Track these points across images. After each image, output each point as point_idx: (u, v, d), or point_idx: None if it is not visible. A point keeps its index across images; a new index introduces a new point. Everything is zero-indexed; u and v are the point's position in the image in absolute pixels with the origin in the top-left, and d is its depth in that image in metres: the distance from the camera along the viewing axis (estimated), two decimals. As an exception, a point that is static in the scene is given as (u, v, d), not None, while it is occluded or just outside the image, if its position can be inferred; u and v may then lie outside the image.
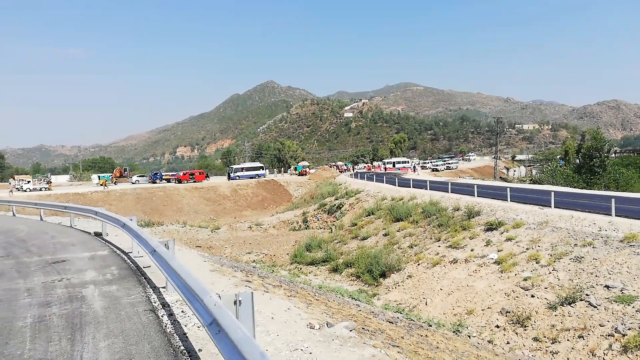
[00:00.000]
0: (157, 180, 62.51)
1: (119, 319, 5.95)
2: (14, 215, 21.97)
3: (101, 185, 57.18)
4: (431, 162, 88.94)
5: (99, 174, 70.87)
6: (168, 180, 62.96)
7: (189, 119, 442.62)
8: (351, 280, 19.51)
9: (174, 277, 5.97)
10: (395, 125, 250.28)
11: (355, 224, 27.97)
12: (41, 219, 19.48)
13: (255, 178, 66.09)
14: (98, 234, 14.12)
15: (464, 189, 27.00)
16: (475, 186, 25.38)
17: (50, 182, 58.61)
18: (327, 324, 6.44)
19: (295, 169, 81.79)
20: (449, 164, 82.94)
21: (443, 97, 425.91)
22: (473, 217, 19.55)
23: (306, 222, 38.30)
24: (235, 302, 4.01)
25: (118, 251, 11.25)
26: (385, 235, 23.19)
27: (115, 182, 64.30)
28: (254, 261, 22.82)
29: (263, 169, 71.50)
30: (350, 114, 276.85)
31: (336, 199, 39.75)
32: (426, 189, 30.13)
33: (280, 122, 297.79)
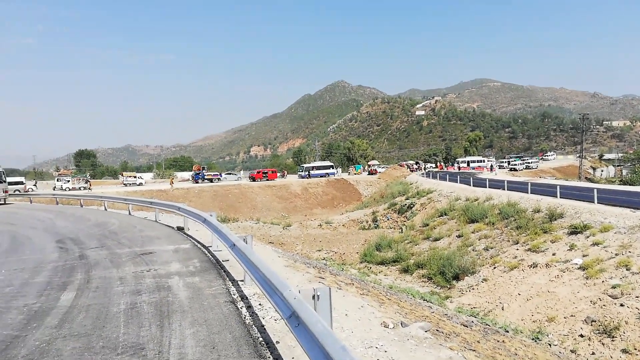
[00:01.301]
0: (199, 181, 63.56)
1: (202, 308, 6.29)
2: (105, 209, 23.86)
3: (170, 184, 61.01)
4: (509, 161, 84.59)
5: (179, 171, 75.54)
6: (210, 180, 64.31)
7: (262, 119, 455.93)
8: (422, 281, 19.18)
9: (253, 270, 6.21)
10: (469, 123, 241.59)
11: (427, 225, 27.41)
12: (129, 214, 20.99)
13: (325, 177, 66.79)
14: (180, 229, 14.97)
15: (545, 190, 25.49)
16: (558, 187, 23.88)
17: (89, 182, 62.06)
18: (401, 324, 6.39)
19: (355, 168, 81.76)
20: (529, 163, 78.58)
21: (522, 93, 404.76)
22: (555, 220, 18.43)
23: (376, 222, 38.09)
24: (313, 297, 4.11)
25: (199, 245, 11.87)
26: (458, 236, 22.52)
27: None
28: (323, 259, 23.07)
29: (333, 168, 72.06)
30: (422, 112, 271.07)
31: (407, 199, 39.15)
32: (503, 189, 28.84)
33: (350, 121, 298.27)
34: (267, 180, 64.41)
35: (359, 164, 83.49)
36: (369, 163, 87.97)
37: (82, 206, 26.39)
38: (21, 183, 48.83)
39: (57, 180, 61.14)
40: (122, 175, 70.27)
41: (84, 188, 57.56)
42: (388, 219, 37.37)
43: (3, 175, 31.41)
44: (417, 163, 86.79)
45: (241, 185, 59.53)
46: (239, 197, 54.39)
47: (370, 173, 74.00)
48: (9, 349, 5.03)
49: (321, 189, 60.73)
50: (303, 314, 3.68)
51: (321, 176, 67.00)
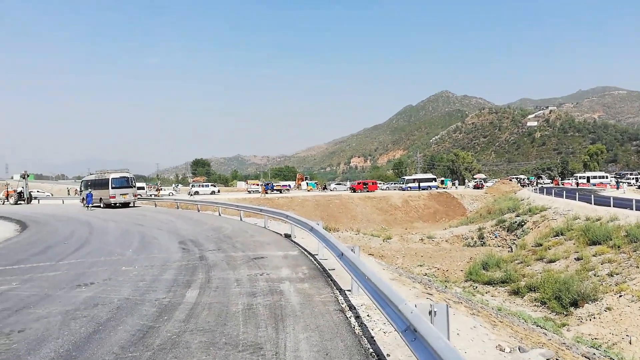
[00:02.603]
0: (268, 191, 64.22)
1: (313, 314, 6.50)
2: (219, 215, 25.62)
3: (323, 189, 64.76)
4: (636, 178, 75.55)
5: (307, 181, 79.16)
6: (279, 191, 64.86)
7: (363, 131, 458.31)
8: (534, 305, 17.86)
9: (363, 281, 6.28)
10: (590, 135, 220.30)
11: (540, 245, 25.50)
12: (241, 219, 22.32)
13: (427, 189, 65.22)
14: (287, 236, 15.58)
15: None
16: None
17: (160, 190, 66.57)
18: (519, 349, 6.03)
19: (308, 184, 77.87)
20: None
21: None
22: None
23: (482, 239, 36.33)
24: (430, 313, 4.06)
25: (305, 252, 12.25)
26: (577, 259, 20.64)
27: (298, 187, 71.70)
28: (425, 274, 22.49)
29: (435, 181, 70.15)
30: (535, 123, 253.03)
31: (517, 216, 36.79)
32: (631, 209, 25.89)
33: (454, 132, 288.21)
34: (368, 191, 64.54)
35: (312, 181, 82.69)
36: (474, 177, 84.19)
37: (199, 211, 28.61)
38: (142, 188, 54.39)
39: (192, 187, 67.51)
40: (247, 183, 76.06)
41: (213, 192, 63.58)
42: (496, 237, 35.44)
43: (133, 181, 35.20)
44: (539, 177, 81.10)
45: (342, 195, 60.30)
46: (340, 207, 55.12)
47: (476, 187, 70.78)
48: (146, 338, 5.62)
49: (423, 202, 59.36)
50: (421, 329, 3.66)
51: (423, 189, 65.56)
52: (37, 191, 69.94)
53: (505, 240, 34.12)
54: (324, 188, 72.20)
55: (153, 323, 6.18)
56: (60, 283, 8.84)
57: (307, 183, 75.29)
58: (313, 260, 11.06)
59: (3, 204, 47.63)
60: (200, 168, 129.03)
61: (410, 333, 4.01)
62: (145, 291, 8.03)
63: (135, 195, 34.72)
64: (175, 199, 35.66)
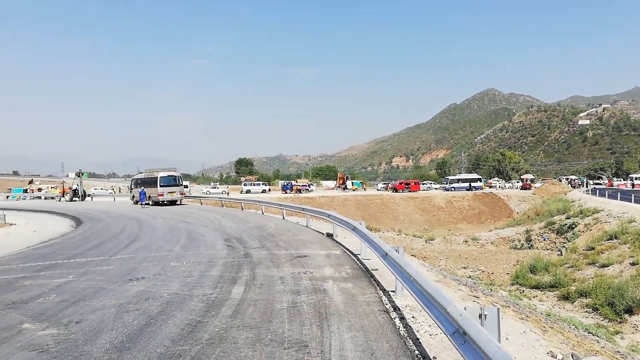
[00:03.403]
0: (287, 191, 64.09)
1: (357, 314, 6.48)
2: (262, 213, 25.99)
3: (343, 189, 65.03)
4: None
5: (352, 180, 79.64)
6: (299, 191, 64.14)
7: (406, 130, 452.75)
8: (585, 311, 17.09)
9: (408, 282, 6.20)
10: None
11: (593, 248, 24.36)
12: (283, 218, 22.55)
13: (471, 190, 63.68)
14: (329, 235, 15.61)
15: None
16: None
17: (187, 188, 68.63)
18: (572, 356, 5.79)
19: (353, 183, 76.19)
20: None
21: None
22: None
23: (529, 241, 35.11)
24: (480, 316, 3.96)
25: (348, 252, 12.23)
26: (633, 264, 19.60)
27: (340, 187, 71.63)
28: (469, 277, 21.98)
29: (480, 181, 68.37)
30: (587, 121, 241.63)
31: (567, 218, 35.31)
32: (695, 212, 24.31)
33: (500, 131, 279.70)
34: (410, 191, 63.72)
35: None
36: (521, 177, 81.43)
37: (242, 209, 29.12)
38: (185, 187, 56.17)
39: (244, 185, 69.44)
40: (296, 181, 77.27)
41: (264, 191, 65.33)
42: (544, 239, 34.17)
43: (180, 180, 36.27)
44: (599, 177, 77.45)
45: (383, 195, 59.83)
46: (381, 207, 54.72)
47: (524, 188, 68.44)
48: (195, 332, 5.78)
49: (467, 202, 58.00)
50: (472, 332, 3.57)
51: (467, 189, 64.07)
52: (101, 188, 73.93)
53: (555, 243, 32.86)
54: (344, 188, 71.46)
55: (201, 318, 6.34)
56: (114, 277, 9.23)
57: (352, 182, 75.51)
58: (355, 260, 11.02)
59: (59, 200, 50.25)
60: (244, 167, 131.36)
61: (459, 336, 3.93)
62: (193, 286, 8.25)
63: (182, 194, 35.77)
64: (220, 197, 36.46)
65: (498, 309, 4.07)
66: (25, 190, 68.49)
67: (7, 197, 63.78)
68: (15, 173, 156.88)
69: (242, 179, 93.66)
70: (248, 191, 64.16)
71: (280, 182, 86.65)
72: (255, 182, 72.34)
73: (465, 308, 4.09)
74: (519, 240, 36.13)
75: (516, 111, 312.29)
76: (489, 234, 40.32)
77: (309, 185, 70.38)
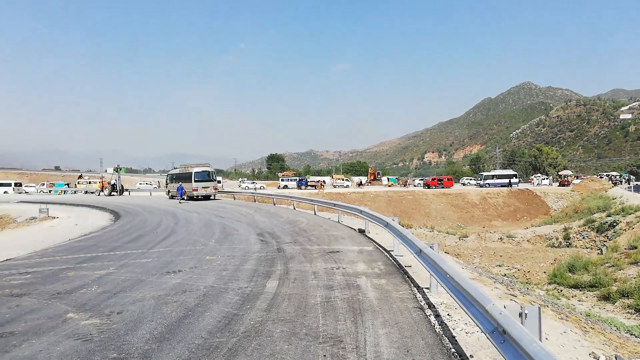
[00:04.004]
0: (302, 187, 63.62)
1: (391, 311, 6.44)
2: (294, 208, 26.16)
3: (358, 185, 64.85)
4: None
5: (388, 177, 79.78)
6: (314, 187, 63.47)
7: (438, 125, 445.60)
8: (627, 312, 16.41)
9: (444, 279, 6.12)
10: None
11: (635, 247, 23.40)
12: (315, 214, 22.63)
13: (507, 186, 62.20)
14: (361, 231, 15.56)
15: None
16: None
17: (220, 183, 69.55)
18: (615, 357, 5.59)
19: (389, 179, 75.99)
20: None
21: None
22: None
23: (568, 239, 34.02)
24: (520, 315, 3.87)
25: (380, 248, 12.18)
26: (681, 264, 18.73)
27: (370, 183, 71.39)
28: (504, 275, 21.52)
29: (516, 177, 66.69)
30: (629, 116, 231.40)
31: (608, 216, 34.02)
32: None
33: (537, 126, 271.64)
34: (442, 187, 62.80)
35: (394, 178, 79.54)
36: (559, 173, 78.98)
37: (274, 204, 29.40)
38: (218, 182, 57.17)
39: (282, 180, 70.58)
40: (332, 177, 78.48)
41: (301, 187, 66.09)
42: (584, 237, 33.05)
43: (213, 175, 36.91)
44: (623, 175, 74.57)
45: (415, 191, 59.19)
46: (413, 203, 54.13)
47: (562, 184, 66.36)
48: (231, 324, 5.88)
49: (502, 199, 56.68)
50: (513, 331, 3.49)
51: (502, 185, 62.62)
52: (147, 183, 76.48)
53: (594, 241, 31.74)
54: (360, 184, 70.77)
55: (237, 311, 6.45)
56: (152, 269, 9.48)
57: (387, 178, 75.37)
58: (388, 256, 10.96)
59: (98, 195, 51.98)
60: (275, 163, 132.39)
61: (498, 335, 3.85)
62: (228, 280, 8.39)
63: (215, 189, 36.40)
64: (252, 193, 36.90)
65: (539, 307, 3.97)
66: (68, 185, 71.36)
67: (50, 191, 66.46)
68: (57, 168, 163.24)
69: (280, 174, 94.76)
70: (285, 186, 65.15)
71: (313, 177, 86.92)
72: (292, 178, 73.18)
73: (505, 306, 4.01)
74: (557, 239, 35.07)
75: (554, 105, 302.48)
76: (525, 232, 39.32)
77: (324, 181, 70.67)
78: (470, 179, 78.51)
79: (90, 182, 66.79)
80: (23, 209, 28.89)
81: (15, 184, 66.25)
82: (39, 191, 66.94)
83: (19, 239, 15.97)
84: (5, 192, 60.93)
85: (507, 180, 64.29)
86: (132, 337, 5.45)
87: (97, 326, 5.89)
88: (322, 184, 65.89)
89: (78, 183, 66.44)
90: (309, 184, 65.94)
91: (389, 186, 67.98)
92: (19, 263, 10.86)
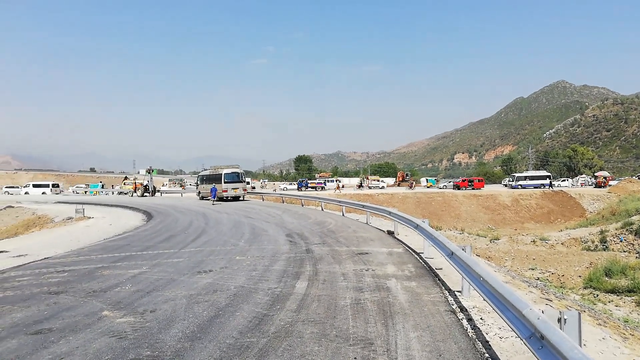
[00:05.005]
0: (302, 188, 63.16)
1: (422, 314, 6.34)
2: (322, 209, 26.16)
3: (428, 187, 65.17)
4: None
5: (427, 178, 79.22)
6: (314, 188, 63.75)
7: (468, 125, 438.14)
8: (669, 319, 15.78)
9: (477, 282, 5.99)
10: None
11: (678, 251, 22.47)
12: (342, 215, 22.57)
13: (540, 188, 60.61)
14: (390, 232, 15.42)
15: None
16: None
17: (183, 186, 69.82)
18: (660, 368, 5.34)
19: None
20: None
21: None
22: None
23: (604, 243, 32.93)
24: (559, 320, 3.74)
25: (410, 250, 12.03)
26: None
27: (398, 184, 70.79)
28: (537, 279, 20.99)
29: (550, 179, 64.91)
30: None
31: (648, 218, 32.76)
32: None
33: (571, 125, 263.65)
34: (473, 188, 61.71)
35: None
36: (595, 174, 76.45)
37: (302, 205, 29.48)
38: (247, 183, 57.86)
39: (282, 183, 71.40)
40: (367, 178, 78.94)
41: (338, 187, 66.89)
42: (621, 241, 31.94)
43: (243, 176, 37.33)
44: None
45: (445, 193, 58.32)
46: (442, 205, 53.35)
47: (598, 185, 64.24)
48: (262, 325, 5.90)
49: (535, 201, 55.23)
50: (552, 337, 3.37)
51: (535, 187, 61.07)
52: (190, 184, 78.73)
53: (633, 245, 30.66)
54: (360, 186, 69.85)
55: (267, 311, 6.47)
56: (183, 269, 9.64)
57: (427, 180, 74.90)
58: (418, 258, 10.82)
59: (131, 196, 53.29)
60: (303, 164, 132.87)
61: (536, 340, 3.73)
62: (258, 280, 8.44)
63: (244, 190, 36.79)
64: (280, 194, 37.12)
65: (579, 313, 3.82)
66: (102, 185, 73.69)
67: (85, 192, 68.66)
68: (92, 170, 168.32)
69: (317, 175, 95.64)
70: (285, 188, 66.53)
71: (341, 179, 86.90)
72: (329, 179, 74.13)
73: (543, 311, 3.88)
74: (593, 242, 33.98)
75: (589, 104, 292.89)
76: (559, 234, 38.23)
77: (324, 183, 70.71)
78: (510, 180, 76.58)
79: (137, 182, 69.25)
80: (60, 209, 29.90)
81: (53, 185, 68.68)
82: (75, 192, 69.37)
83: (57, 238, 16.51)
84: (43, 193, 63.24)
85: (540, 182, 62.67)
86: (165, 336, 5.54)
87: (131, 324, 6.01)
88: (323, 186, 67.21)
89: (124, 184, 68.44)
90: (309, 185, 66.58)
91: (428, 187, 67.40)
92: (57, 261, 11.22)
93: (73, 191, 71.78)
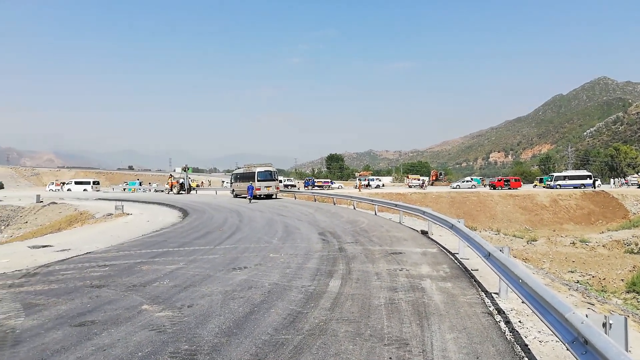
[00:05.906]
0: (309, 187, 62.31)
1: (458, 315, 6.24)
2: (354, 208, 26.10)
3: (364, 187, 65.01)
4: None
5: (472, 177, 78.72)
6: (321, 187, 62.90)
7: (504, 124, 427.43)
8: None
9: (516, 284, 5.85)
10: None
11: None
12: (375, 214, 22.45)
13: (580, 188, 58.60)
14: (424, 232, 15.24)
15: None
16: None
17: (281, 182, 70.53)
18: None
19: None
20: None
21: None
22: None
23: (650, 245, 31.53)
24: (604, 325, 3.61)
25: (445, 250, 11.86)
26: None
27: (432, 183, 69.96)
28: (577, 282, 20.31)
29: (591, 179, 62.64)
30: None
31: (698, 221, 31.16)
32: None
33: (613, 124, 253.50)
34: (509, 188, 60.25)
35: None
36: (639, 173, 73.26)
37: (334, 204, 29.50)
38: (280, 181, 58.22)
39: (358, 180, 72.18)
40: (408, 177, 79.11)
41: (378, 186, 68.28)
42: (668, 244, 30.48)
43: (275, 174, 37.64)
44: None
45: (480, 192, 57.16)
46: (477, 204, 52.31)
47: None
48: (296, 322, 5.95)
49: (575, 201, 53.43)
50: (597, 342, 3.26)
51: (575, 187, 59.07)
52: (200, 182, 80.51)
53: (681, 248, 29.21)
54: (367, 185, 68.58)
55: (301, 309, 6.51)
56: (219, 265, 9.81)
57: (472, 178, 73.79)
58: (454, 259, 10.65)
59: (168, 193, 54.63)
60: (334, 163, 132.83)
61: (579, 345, 3.61)
62: (291, 278, 8.51)
63: (277, 188, 37.11)
64: (312, 192, 37.25)
65: (626, 318, 3.68)
66: (140, 183, 75.97)
67: (124, 189, 70.82)
68: (130, 167, 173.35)
69: (357, 174, 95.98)
70: (286, 186, 65.68)
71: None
72: (370, 178, 74.30)
73: (587, 315, 3.76)
74: (636, 244, 32.62)
75: (633, 101, 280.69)
76: (600, 236, 36.85)
77: (331, 182, 70.12)
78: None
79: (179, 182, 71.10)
80: (100, 206, 30.97)
81: (94, 182, 71.18)
82: (113, 189, 71.69)
83: (98, 234, 17.11)
84: (84, 190, 65.64)
85: (580, 182, 60.59)
86: (202, 330, 5.66)
87: (169, 318, 6.17)
88: (330, 184, 67.49)
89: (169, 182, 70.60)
90: (315, 184, 66.71)
91: (473, 187, 66.27)
92: (98, 256, 11.62)
93: (112, 189, 74.13)
